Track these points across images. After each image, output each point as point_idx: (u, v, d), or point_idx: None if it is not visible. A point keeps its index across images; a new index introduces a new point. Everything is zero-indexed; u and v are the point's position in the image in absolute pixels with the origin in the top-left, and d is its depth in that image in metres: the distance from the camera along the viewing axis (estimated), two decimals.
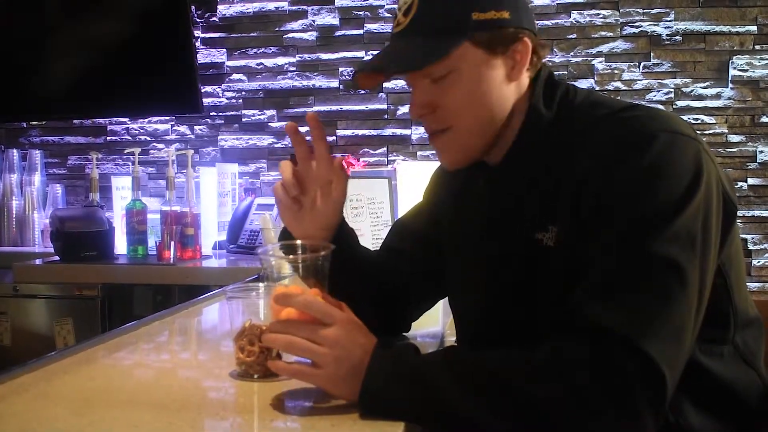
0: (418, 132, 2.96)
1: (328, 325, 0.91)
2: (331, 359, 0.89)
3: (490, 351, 0.94)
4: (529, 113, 1.06)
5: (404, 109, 2.96)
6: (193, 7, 3.04)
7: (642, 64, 2.80)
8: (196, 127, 3.15)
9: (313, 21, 3.02)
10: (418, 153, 2.96)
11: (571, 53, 2.84)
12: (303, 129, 1.17)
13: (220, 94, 3.10)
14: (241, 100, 3.09)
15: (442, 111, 1.05)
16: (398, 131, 2.98)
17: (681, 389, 0.94)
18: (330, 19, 3.00)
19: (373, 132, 3.00)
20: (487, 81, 1.03)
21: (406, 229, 1.32)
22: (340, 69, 3.01)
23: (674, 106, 2.76)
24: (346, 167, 1.16)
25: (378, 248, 1.37)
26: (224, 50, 3.10)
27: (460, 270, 1.20)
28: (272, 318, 0.95)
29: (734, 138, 2.74)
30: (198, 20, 3.10)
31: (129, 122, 3.20)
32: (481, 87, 1.03)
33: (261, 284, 1.12)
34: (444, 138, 1.07)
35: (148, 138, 3.19)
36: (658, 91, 2.78)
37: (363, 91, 2.99)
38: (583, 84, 2.77)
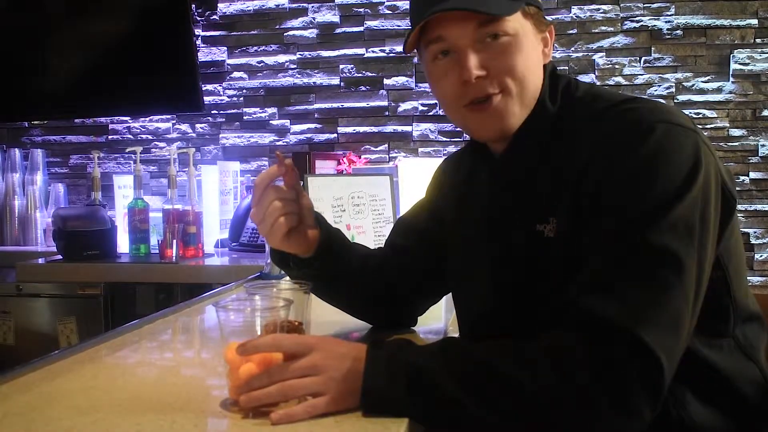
0: (419, 129, 2.96)
1: (306, 353, 0.90)
2: (329, 381, 0.88)
3: (486, 341, 0.94)
4: (536, 107, 1.07)
5: (405, 106, 2.96)
6: (193, 6, 3.04)
7: (643, 58, 2.79)
8: (198, 126, 3.15)
9: (314, 18, 3.02)
10: (420, 150, 2.96)
11: (572, 48, 2.84)
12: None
13: (221, 92, 3.10)
14: (242, 98, 3.10)
15: (497, 72, 1.03)
16: (399, 128, 2.98)
17: (682, 381, 0.94)
18: (330, 16, 3.00)
19: (375, 129, 3.00)
20: (535, 53, 1.07)
21: (409, 227, 1.34)
22: (341, 66, 3.00)
23: (675, 101, 2.76)
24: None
25: (380, 245, 1.38)
26: (225, 48, 3.10)
27: (463, 264, 1.21)
28: (230, 374, 0.91)
29: (736, 132, 2.74)
30: (198, 18, 3.10)
31: (130, 121, 3.20)
32: (532, 57, 1.06)
33: (256, 296, 1.09)
34: (495, 101, 1.04)
35: (150, 137, 3.19)
36: (659, 86, 2.78)
37: (364, 88, 2.99)
38: (584, 79, 2.75)
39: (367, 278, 1.27)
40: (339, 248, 1.23)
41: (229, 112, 3.11)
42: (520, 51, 1.04)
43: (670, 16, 2.77)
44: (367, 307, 1.32)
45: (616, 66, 2.81)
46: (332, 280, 1.24)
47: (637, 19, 2.79)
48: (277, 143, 3.06)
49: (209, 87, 3.08)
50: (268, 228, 1.12)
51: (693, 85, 2.76)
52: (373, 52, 2.95)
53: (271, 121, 3.07)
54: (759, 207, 2.74)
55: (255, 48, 3.07)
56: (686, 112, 2.70)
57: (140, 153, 2.61)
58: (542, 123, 1.07)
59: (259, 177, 1.11)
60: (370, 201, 2.32)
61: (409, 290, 1.30)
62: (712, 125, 2.74)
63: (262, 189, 1.11)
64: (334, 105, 3.02)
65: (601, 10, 2.81)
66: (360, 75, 3.00)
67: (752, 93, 2.73)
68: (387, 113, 2.99)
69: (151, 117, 3.18)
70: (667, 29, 2.77)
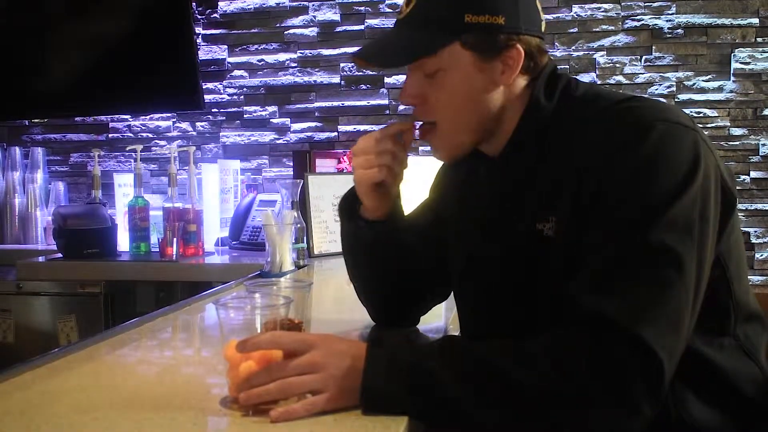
0: None
1: (306, 351, 0.90)
2: (329, 379, 0.88)
3: (487, 340, 0.94)
4: (530, 105, 1.07)
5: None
6: (194, 4, 3.04)
7: (644, 57, 2.79)
8: (198, 124, 3.15)
9: (314, 17, 3.01)
10: (420, 149, 2.96)
11: (573, 47, 2.83)
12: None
13: (222, 91, 3.10)
14: (242, 97, 3.09)
15: (429, 106, 1.08)
16: None
17: (682, 380, 0.94)
18: (331, 14, 3.00)
19: (375, 127, 2.98)
20: (473, 84, 1.05)
21: (411, 226, 1.33)
22: (342, 65, 3.00)
23: (676, 100, 2.76)
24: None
25: None
26: (225, 47, 3.10)
27: (463, 263, 1.20)
28: (230, 372, 0.91)
29: (736, 131, 2.74)
30: (199, 17, 3.09)
31: (131, 119, 3.20)
32: (466, 89, 1.05)
33: (256, 295, 1.09)
34: (431, 133, 1.10)
35: (150, 135, 3.19)
36: (660, 85, 2.78)
37: (365, 86, 2.99)
38: (584, 78, 2.75)
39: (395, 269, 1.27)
40: (401, 226, 1.25)
41: (229, 110, 3.11)
42: (450, 86, 1.05)
43: (671, 15, 2.76)
44: (374, 300, 1.31)
45: (617, 65, 2.81)
46: (378, 249, 1.24)
47: (638, 18, 2.79)
48: (278, 141, 3.06)
49: (210, 85, 3.08)
50: (366, 167, 1.17)
51: (694, 84, 2.76)
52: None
53: (271, 120, 3.07)
54: (759, 206, 2.73)
55: (255, 46, 3.07)
56: (687, 111, 2.70)
57: (140, 151, 2.61)
58: (537, 121, 1.07)
59: (385, 129, 1.17)
60: None
61: (412, 290, 1.30)
62: (713, 124, 2.74)
63: (384, 134, 1.16)
64: (335, 103, 3.02)
65: (602, 9, 2.81)
66: (360, 73, 2.99)
67: (753, 92, 2.72)
68: (387, 112, 2.99)
69: (152, 115, 3.18)
70: (668, 28, 2.76)
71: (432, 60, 1.04)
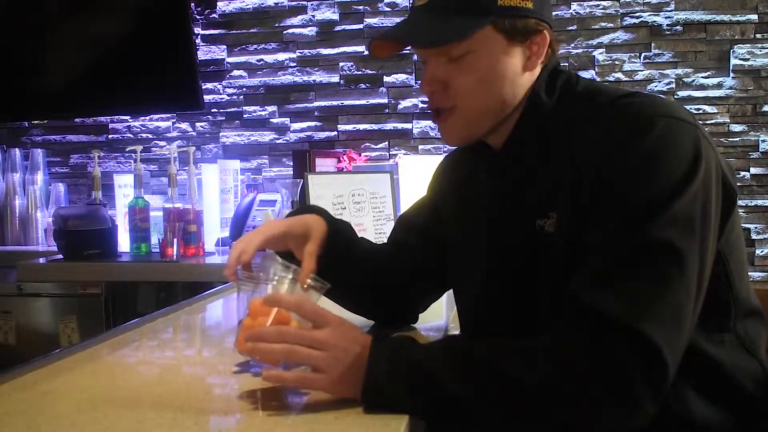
0: (419, 126, 2.95)
1: (322, 327, 0.90)
2: (333, 362, 0.88)
3: (487, 339, 0.94)
4: (531, 100, 1.06)
5: (405, 104, 2.96)
6: (192, 4, 3.04)
7: (643, 54, 2.79)
8: (198, 124, 3.15)
9: (313, 16, 3.01)
10: (420, 147, 2.96)
11: (572, 45, 2.83)
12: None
13: (221, 91, 3.10)
14: (242, 97, 3.09)
15: (452, 90, 1.05)
16: (399, 125, 2.97)
17: (682, 375, 0.94)
18: (329, 14, 3.00)
19: (375, 126, 3.00)
20: (503, 68, 1.04)
21: (410, 224, 1.34)
22: (341, 64, 3.00)
23: (675, 97, 2.76)
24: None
25: (381, 242, 1.38)
26: (224, 47, 3.10)
27: (464, 261, 1.20)
28: (243, 325, 0.92)
29: (736, 128, 2.74)
30: (198, 17, 3.09)
31: (130, 120, 3.20)
32: (495, 73, 1.04)
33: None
34: (448, 117, 1.07)
35: (150, 136, 3.19)
36: (659, 82, 2.77)
37: (364, 86, 2.99)
38: (584, 75, 2.75)
39: (369, 274, 1.27)
40: (344, 244, 1.22)
41: (229, 110, 3.11)
42: (479, 69, 1.03)
43: (669, 11, 2.76)
44: (368, 303, 1.32)
45: (616, 62, 2.81)
46: (336, 275, 1.22)
47: (636, 15, 2.79)
48: (277, 141, 3.06)
49: (209, 85, 3.08)
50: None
51: (693, 80, 2.76)
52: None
53: (271, 120, 3.07)
54: (760, 202, 2.73)
55: (254, 46, 3.07)
56: (686, 107, 2.70)
57: (140, 152, 2.61)
58: (537, 116, 1.06)
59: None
60: (370, 198, 2.32)
61: (410, 287, 1.30)
62: (713, 121, 2.74)
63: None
64: (334, 103, 3.02)
65: (601, 6, 2.81)
66: (360, 73, 3.00)
67: (752, 88, 2.72)
68: (387, 111, 2.99)
69: (151, 116, 3.18)
70: (667, 25, 2.76)
71: (463, 44, 1.02)
